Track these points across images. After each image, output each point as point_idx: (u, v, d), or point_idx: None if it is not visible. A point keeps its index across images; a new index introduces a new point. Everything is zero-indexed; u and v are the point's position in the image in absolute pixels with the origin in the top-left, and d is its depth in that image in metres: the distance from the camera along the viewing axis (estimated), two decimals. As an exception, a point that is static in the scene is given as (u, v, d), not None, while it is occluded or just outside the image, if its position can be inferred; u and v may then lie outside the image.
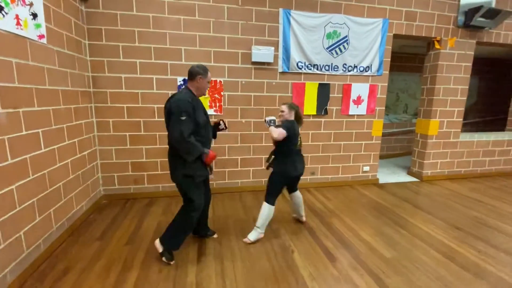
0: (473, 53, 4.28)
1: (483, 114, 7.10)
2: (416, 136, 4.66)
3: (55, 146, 2.39)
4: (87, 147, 3.04)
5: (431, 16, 4.00)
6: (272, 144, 2.60)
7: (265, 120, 2.43)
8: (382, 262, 2.22)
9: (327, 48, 3.72)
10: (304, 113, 3.83)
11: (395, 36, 3.95)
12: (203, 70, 2.08)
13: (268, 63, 3.57)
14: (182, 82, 3.36)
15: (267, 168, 2.57)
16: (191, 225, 2.18)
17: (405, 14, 3.89)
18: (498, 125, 6.63)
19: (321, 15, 3.59)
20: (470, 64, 4.31)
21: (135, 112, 3.33)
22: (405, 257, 2.31)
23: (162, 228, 2.68)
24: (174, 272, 2.05)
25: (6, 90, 1.82)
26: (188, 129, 1.93)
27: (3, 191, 1.77)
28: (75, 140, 2.77)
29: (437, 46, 4.09)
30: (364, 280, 2.00)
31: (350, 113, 4.00)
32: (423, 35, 4.02)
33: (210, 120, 2.31)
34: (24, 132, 1.98)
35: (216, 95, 3.49)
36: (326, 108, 3.93)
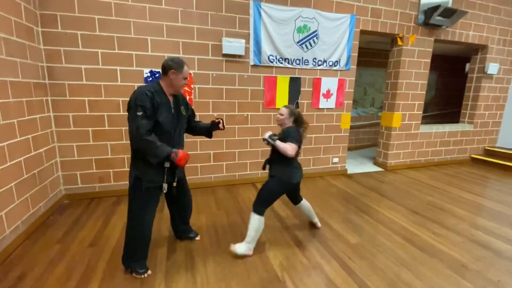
0: (431, 50, 4.58)
1: (441, 107, 7.67)
2: (381, 128, 4.92)
3: (5, 143, 2.18)
4: (43, 144, 2.81)
5: (395, 14, 4.19)
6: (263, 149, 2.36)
7: (264, 139, 2.13)
8: (348, 248, 2.34)
9: (298, 42, 3.76)
10: (276, 107, 3.87)
11: (362, 32, 4.10)
12: (177, 64, 1.81)
13: (240, 56, 3.53)
14: (149, 74, 3.21)
15: (263, 168, 2.30)
16: (142, 240, 1.91)
17: (371, 11, 4.04)
18: (454, 117, 7.21)
19: (291, 9, 3.61)
20: (429, 60, 4.62)
21: (98, 106, 3.13)
22: (369, 242, 2.45)
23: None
24: (142, 270, 1.99)
25: None
26: (146, 125, 1.68)
27: None
28: (29, 136, 2.54)
29: (399, 42, 4.32)
30: (331, 266, 2.09)
31: (320, 106, 4.10)
32: (388, 31, 4.21)
33: (213, 119, 2.13)
34: (-37, 128, 1.78)
35: (186, 88, 3.38)
36: (297, 102, 3.99)
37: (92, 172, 3.25)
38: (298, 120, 2.24)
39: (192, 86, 3.39)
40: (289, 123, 2.22)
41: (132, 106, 1.71)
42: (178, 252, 2.23)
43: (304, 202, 2.56)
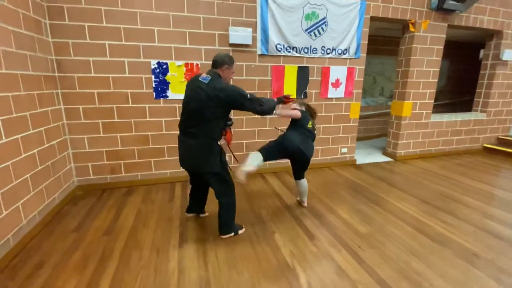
0: (444, 36, 4.42)
1: (453, 95, 7.47)
2: (391, 117, 4.83)
3: (18, 136, 2.22)
4: (56, 136, 2.86)
5: (406, -1, 4.04)
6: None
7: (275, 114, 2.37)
8: (357, 237, 2.34)
9: (306, 30, 3.68)
10: (284, 97, 3.83)
11: (372, 19, 3.98)
12: (230, 60, 2.07)
13: (246, 45, 3.48)
14: (156, 66, 3.20)
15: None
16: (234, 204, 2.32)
17: (381, -4, 3.90)
18: (467, 106, 7.03)
19: (299, -5, 3.51)
20: (441, 47, 4.47)
21: (107, 98, 3.15)
22: (378, 231, 2.45)
23: (142, 216, 2.66)
24: (155, 259, 2.04)
25: (-47, 74, 1.63)
26: (256, 98, 2.06)
27: (-40, 185, 1.64)
28: (42, 128, 2.59)
29: (411, 29, 4.18)
30: (341, 255, 2.10)
31: (328, 96, 4.04)
32: (399, 17, 4.07)
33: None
34: (-21, 121, 1.82)
35: (193, 79, 3.37)
36: (305, 92, 3.94)
37: (103, 163, 3.30)
38: (309, 109, 2.67)
39: (199, 77, 3.37)
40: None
41: (238, 98, 1.98)
42: (190, 241, 2.27)
43: (302, 181, 2.79)
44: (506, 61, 4.95)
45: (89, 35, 2.95)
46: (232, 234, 2.33)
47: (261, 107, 2.09)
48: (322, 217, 2.71)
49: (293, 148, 2.47)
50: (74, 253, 2.10)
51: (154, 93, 3.27)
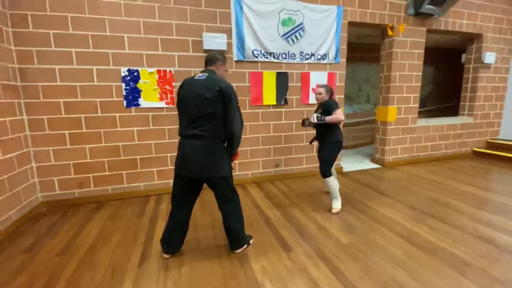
0: (424, 40, 4.42)
1: (440, 101, 7.47)
2: (377, 123, 4.73)
3: (-37, 147, 2.04)
4: (15, 149, 2.67)
5: (384, 4, 4.05)
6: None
7: (313, 119, 2.59)
8: (338, 249, 2.14)
9: (283, 36, 3.62)
10: (264, 104, 3.73)
11: (350, 24, 3.96)
12: (222, 56, 2.05)
13: (222, 51, 3.39)
14: (127, 73, 3.08)
15: (311, 143, 3.06)
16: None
17: (358, 1, 3.90)
18: (454, 112, 7.01)
19: (274, 1, 3.48)
20: (422, 51, 4.45)
21: (74, 108, 2.99)
22: (362, 241, 2.25)
23: (105, 233, 2.43)
24: (109, 280, 1.81)
25: None
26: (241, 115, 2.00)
27: None
28: (-4, 140, 2.40)
29: (390, 33, 4.17)
30: (319, 269, 1.89)
31: (310, 102, 3.94)
32: (377, 22, 4.07)
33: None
34: None
35: (167, 86, 3.24)
36: (285, 98, 3.83)
37: (70, 177, 3.09)
38: (333, 92, 2.74)
39: (173, 84, 3.25)
40: (327, 97, 2.68)
41: (233, 97, 1.88)
42: (152, 259, 2.05)
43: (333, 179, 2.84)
44: (489, 64, 4.95)
45: (54, 42, 2.84)
46: (246, 246, 2.14)
47: (239, 124, 1.93)
48: (302, 227, 2.50)
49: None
50: (19, 276, 1.86)
51: (125, 102, 3.12)
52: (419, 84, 4.57)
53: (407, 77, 4.44)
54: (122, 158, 3.21)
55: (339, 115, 2.52)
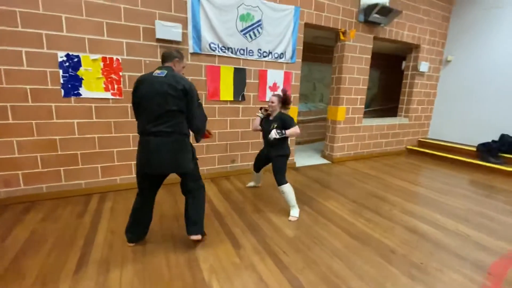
0: (371, 46, 4.80)
1: (384, 103, 8.24)
2: (327, 122, 5.04)
3: None
4: None
5: (337, 9, 4.27)
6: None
7: (274, 138, 2.57)
8: (284, 242, 2.27)
9: (241, 31, 3.60)
10: (221, 99, 3.68)
11: (306, 25, 4.10)
12: (179, 53, 2.05)
13: (177, 42, 3.24)
14: (65, 58, 2.76)
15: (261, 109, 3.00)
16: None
17: (314, 4, 4.05)
18: (395, 112, 7.80)
19: (232, -5, 3.42)
20: (369, 57, 4.83)
21: (-2, 95, 2.59)
22: (306, 234, 2.41)
23: (36, 238, 2.19)
24: (39, 290, 1.65)
25: None
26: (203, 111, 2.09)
27: None
28: None
29: (342, 37, 4.43)
30: (265, 263, 1.98)
31: (267, 99, 4.01)
32: (331, 26, 4.28)
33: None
34: None
35: (114, 76, 2.99)
36: (243, 94, 3.84)
37: (-7, 174, 2.70)
38: (286, 101, 2.74)
39: (120, 73, 3.01)
40: (278, 108, 2.74)
41: (195, 94, 1.92)
42: (91, 263, 1.92)
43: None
44: (423, 72, 5.60)
45: (-32, 16, 2.39)
46: (201, 237, 2.17)
47: (202, 119, 2.04)
48: (252, 223, 2.58)
49: None
50: None
51: (62, 91, 2.80)
52: (365, 87, 4.97)
53: (355, 80, 4.79)
54: (60, 153, 2.90)
55: (296, 129, 2.62)
